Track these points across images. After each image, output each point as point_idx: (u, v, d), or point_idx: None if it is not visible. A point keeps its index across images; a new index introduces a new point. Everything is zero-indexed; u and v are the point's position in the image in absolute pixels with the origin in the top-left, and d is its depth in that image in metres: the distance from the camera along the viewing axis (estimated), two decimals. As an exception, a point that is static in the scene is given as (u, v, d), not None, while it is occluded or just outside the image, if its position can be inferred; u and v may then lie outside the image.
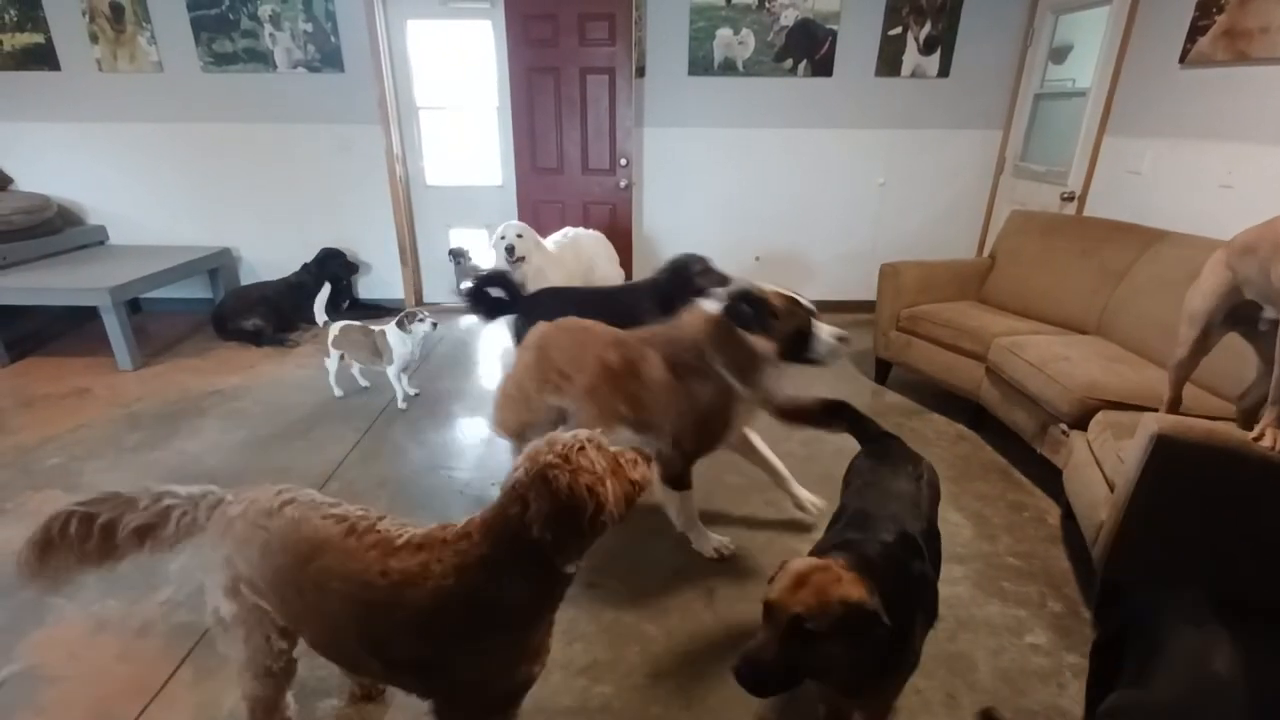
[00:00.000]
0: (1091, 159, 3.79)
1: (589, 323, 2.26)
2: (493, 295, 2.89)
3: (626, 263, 4.85)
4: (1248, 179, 2.86)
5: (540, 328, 2.29)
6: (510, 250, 3.55)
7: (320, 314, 3.39)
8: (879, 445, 1.74)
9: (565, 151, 4.63)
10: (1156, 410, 2.22)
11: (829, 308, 5.12)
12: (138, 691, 1.71)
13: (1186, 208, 3.12)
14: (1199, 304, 2.10)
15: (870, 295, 3.92)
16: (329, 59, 4.44)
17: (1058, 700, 1.72)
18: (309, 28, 4.37)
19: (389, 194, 4.78)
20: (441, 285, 5.22)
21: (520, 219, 4.77)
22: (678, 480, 2.22)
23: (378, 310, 4.90)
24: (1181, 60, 3.19)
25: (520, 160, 4.64)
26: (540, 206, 4.76)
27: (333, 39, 4.39)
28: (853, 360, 4.15)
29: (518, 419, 2.31)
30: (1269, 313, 1.93)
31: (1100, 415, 2.37)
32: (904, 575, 1.26)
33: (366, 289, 5.04)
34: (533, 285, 3.30)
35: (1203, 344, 2.12)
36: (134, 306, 4.69)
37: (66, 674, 1.77)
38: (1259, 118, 2.83)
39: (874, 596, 1.09)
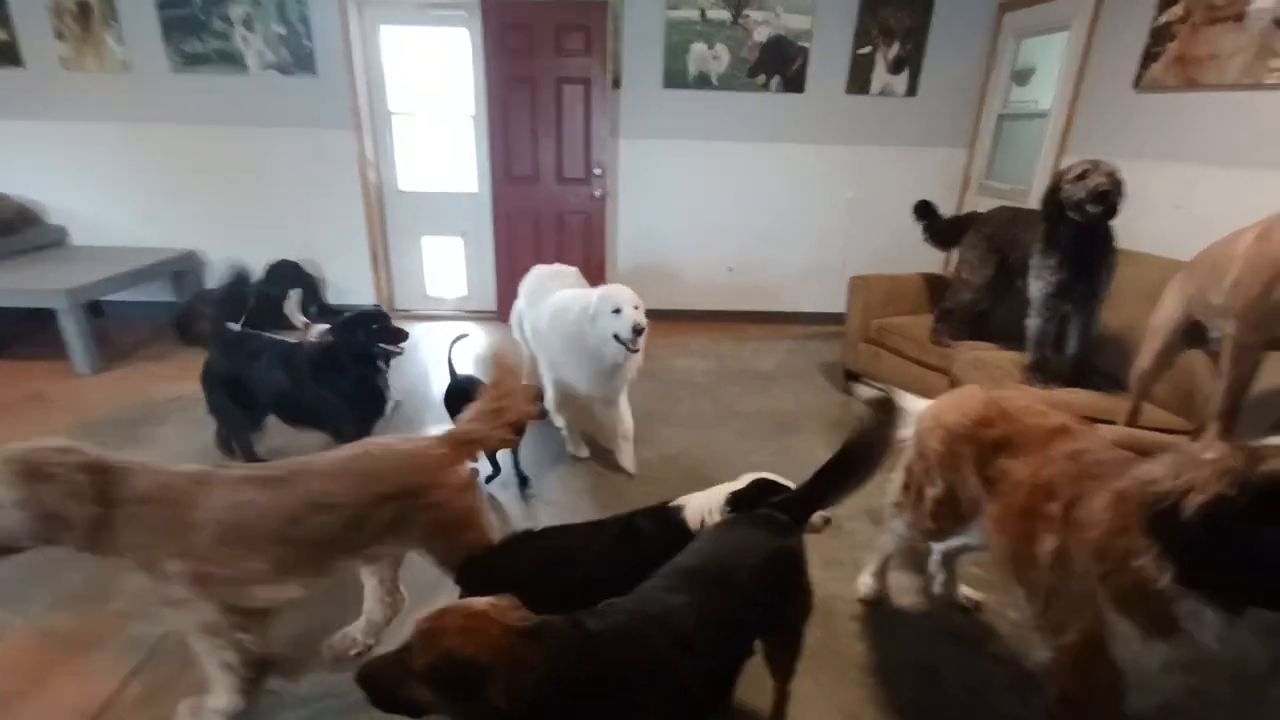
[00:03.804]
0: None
1: None
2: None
3: (600, 273, 4.88)
4: (1198, 200, 2.98)
5: None
6: (639, 332, 2.59)
7: (297, 316, 3.31)
8: (752, 518, 1.45)
9: (540, 160, 4.65)
10: (1114, 423, 2.30)
11: (799, 319, 5.22)
12: (86, 708, 1.66)
13: (1141, 227, 3.22)
14: (1158, 321, 2.19)
15: (841, 308, 3.99)
16: (302, 62, 4.40)
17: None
18: (282, 30, 4.33)
19: (360, 199, 4.74)
20: (415, 291, 5.20)
21: (495, 227, 4.78)
22: None
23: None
24: (1136, 85, 3.32)
25: (495, 168, 4.64)
26: (515, 215, 4.76)
27: (306, 42, 4.35)
28: (823, 372, 4.21)
29: None
30: (1213, 331, 2.01)
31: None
32: (628, 667, 1.03)
33: (337, 294, 4.98)
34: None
35: (1164, 359, 2.21)
36: (96, 310, 4.57)
37: (11, 689, 1.71)
38: (1208, 141, 2.95)
39: (514, 668, 0.93)
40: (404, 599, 1.87)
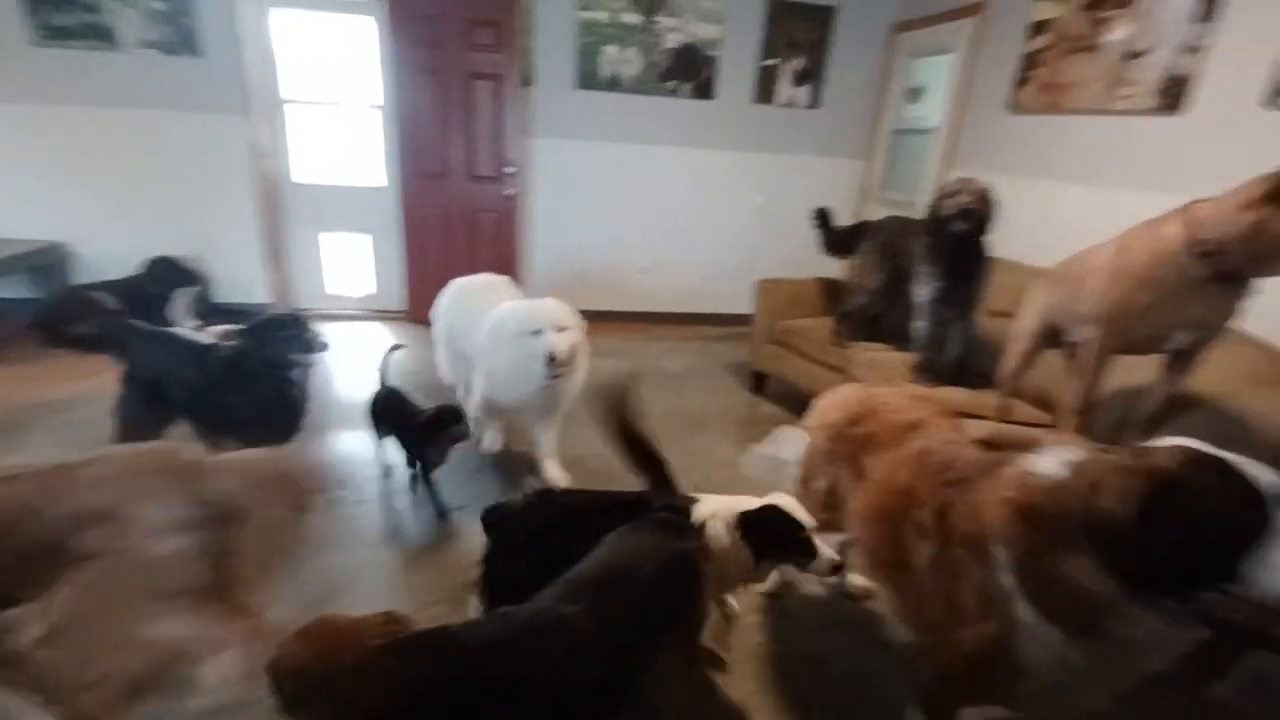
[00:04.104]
0: (939, 190, 4.20)
1: None
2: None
3: (513, 272, 4.81)
4: (1060, 213, 3.27)
5: None
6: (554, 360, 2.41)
7: (186, 320, 3.05)
8: (647, 526, 1.45)
9: (450, 156, 4.53)
10: (988, 419, 2.49)
11: (709, 321, 5.33)
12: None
13: (1012, 236, 3.51)
14: (1024, 324, 2.39)
15: (749, 309, 4.11)
16: (185, 41, 4.09)
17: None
18: (161, 5, 4.01)
19: (253, 191, 4.45)
20: (316, 288, 4.94)
21: (405, 224, 4.62)
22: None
23: (241, 315, 4.53)
24: (1009, 106, 3.61)
25: (404, 163, 4.49)
26: (425, 211, 4.63)
27: (187, 20, 4.05)
28: (731, 372, 4.32)
29: None
30: (1072, 335, 2.21)
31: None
32: (502, 677, 1.03)
33: (228, 291, 4.65)
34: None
35: (1028, 359, 2.41)
36: (-64, 306, 4.07)
37: None
38: (1069, 160, 3.25)
39: (353, 683, 0.93)
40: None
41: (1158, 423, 1.97)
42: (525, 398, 2.57)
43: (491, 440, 3.01)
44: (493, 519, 1.64)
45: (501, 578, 1.56)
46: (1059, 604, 1.11)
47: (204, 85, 4.17)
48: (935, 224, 2.72)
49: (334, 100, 4.59)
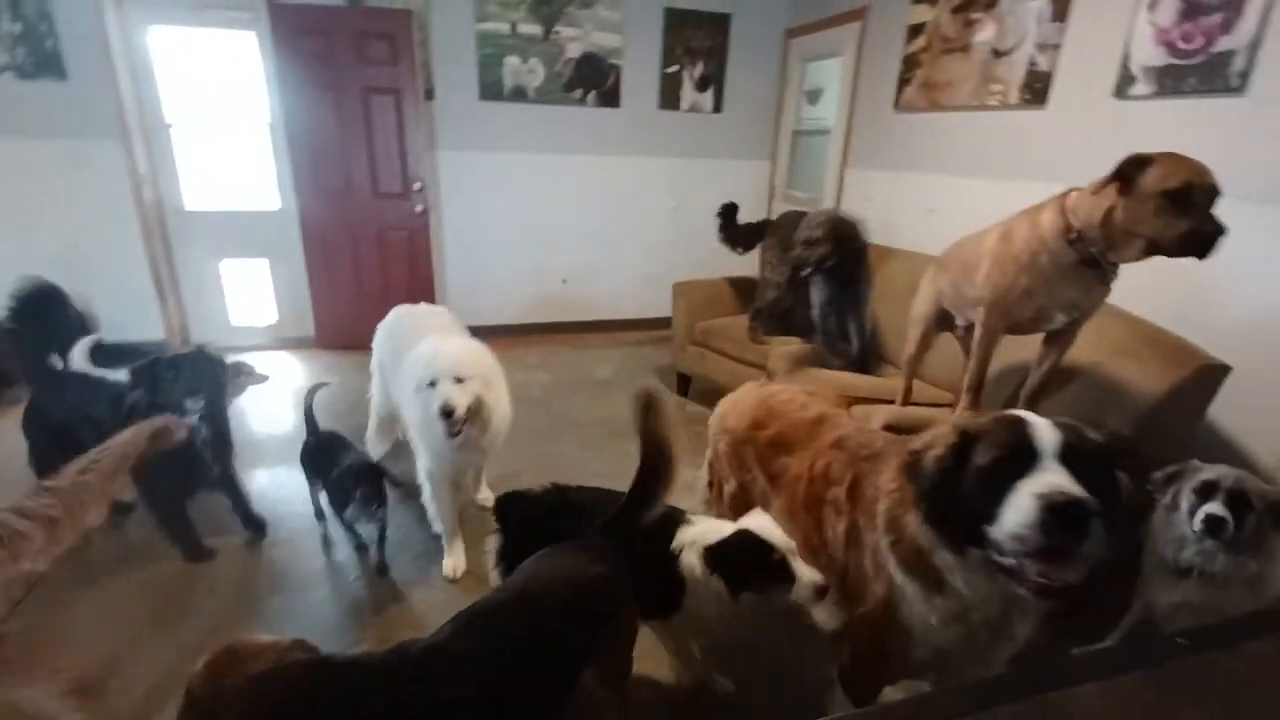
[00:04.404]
0: (838, 187, 4.39)
1: None
2: None
3: (429, 291, 4.70)
4: (946, 205, 3.48)
5: None
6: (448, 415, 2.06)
7: (90, 369, 2.74)
8: (569, 548, 1.42)
9: (352, 174, 4.38)
10: (893, 403, 2.62)
11: (635, 326, 5.37)
12: None
13: (906, 229, 3.72)
14: (918, 311, 2.51)
15: (670, 313, 4.16)
16: (46, 64, 3.78)
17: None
18: (16, 28, 3.70)
19: (136, 219, 4.16)
20: (218, 320, 4.66)
21: (306, 246, 4.42)
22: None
23: (133, 354, 4.21)
24: (895, 106, 3.81)
25: (301, 183, 4.30)
26: (328, 233, 4.45)
27: (49, 42, 3.75)
28: (658, 375, 4.36)
29: None
30: (960, 319, 2.35)
31: (854, 409, 2.72)
32: (372, 710, 1.03)
33: (113, 329, 4.31)
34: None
35: (924, 344, 2.54)
36: None
37: None
38: (950, 154, 3.47)
39: (213, 708, 0.96)
40: None
41: (1040, 395, 2.12)
42: (442, 461, 2.27)
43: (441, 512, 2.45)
44: (506, 502, 1.76)
45: (513, 554, 1.63)
46: (909, 556, 1.21)
47: (71, 109, 3.87)
48: (796, 275, 2.92)
49: (223, 121, 4.35)
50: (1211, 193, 1.56)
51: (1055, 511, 0.93)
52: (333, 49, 4.06)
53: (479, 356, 2.20)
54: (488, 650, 1.11)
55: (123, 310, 4.30)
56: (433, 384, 2.04)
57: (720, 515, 1.94)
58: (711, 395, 3.97)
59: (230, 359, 2.87)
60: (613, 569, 1.40)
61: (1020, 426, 1.04)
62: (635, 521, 1.46)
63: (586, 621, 1.32)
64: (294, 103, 4.11)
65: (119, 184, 4.06)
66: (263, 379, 2.20)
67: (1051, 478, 0.97)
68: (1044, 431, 1.02)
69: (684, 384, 4.10)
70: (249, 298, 4.73)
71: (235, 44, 4.17)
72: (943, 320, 2.47)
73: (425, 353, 2.15)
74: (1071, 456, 0.99)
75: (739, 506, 1.84)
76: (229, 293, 4.68)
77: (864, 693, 1.43)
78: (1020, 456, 1.01)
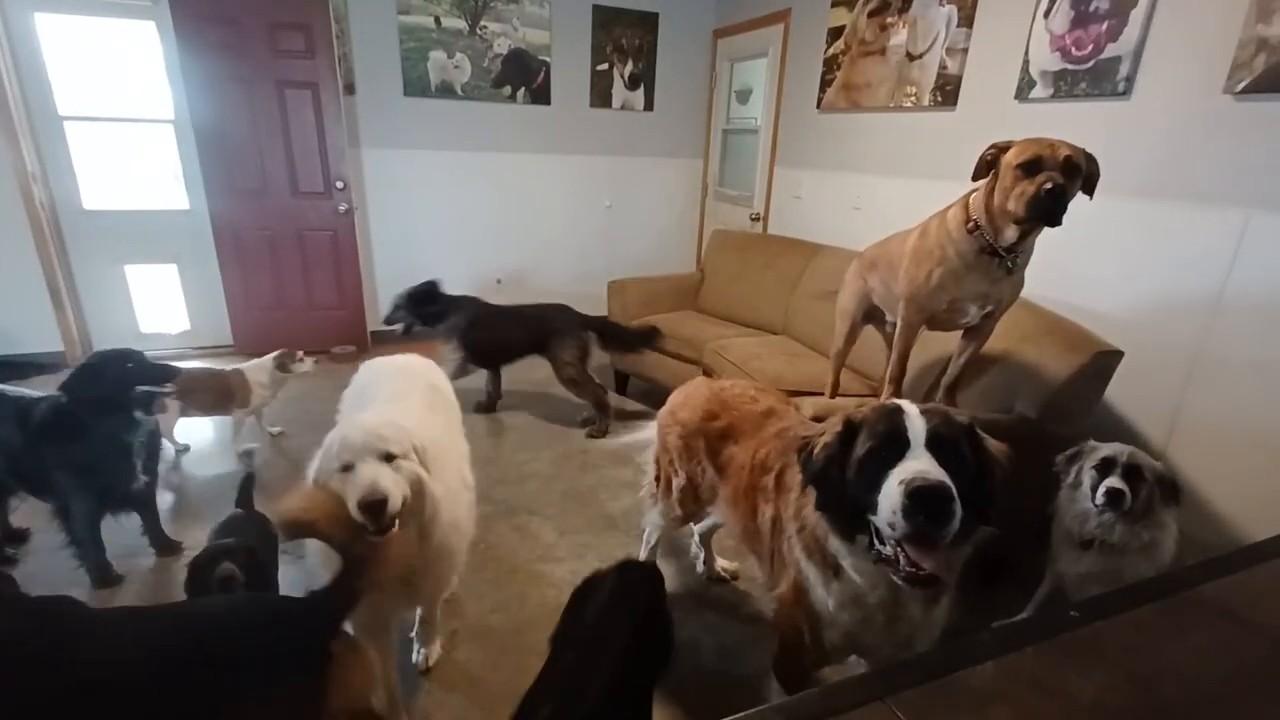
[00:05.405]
0: (768, 185, 4.49)
1: None
2: None
3: (358, 297, 4.54)
4: (870, 202, 3.61)
5: None
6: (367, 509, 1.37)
7: None
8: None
9: (269, 172, 4.17)
10: (823, 394, 2.70)
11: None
12: None
13: (832, 225, 3.84)
14: (844, 305, 2.59)
15: (605, 311, 4.16)
16: (-89, 52, 3.44)
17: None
18: (-126, 10, 3.35)
19: (26, 222, 3.84)
20: (125, 329, 4.36)
21: (219, 249, 4.19)
22: None
23: (24, 369, 3.90)
24: (818, 106, 3.92)
25: (211, 182, 4.07)
26: (244, 234, 4.23)
27: (-86, 27, 3.41)
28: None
29: None
30: (890, 316, 2.44)
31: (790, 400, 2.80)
32: None
33: (5, 341, 3.98)
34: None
35: (851, 337, 2.62)
36: None
37: None
38: (871, 154, 3.59)
39: None
40: None
41: (959, 385, 2.23)
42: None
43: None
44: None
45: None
46: (810, 543, 1.27)
47: (-57, 102, 3.54)
48: None
49: (125, 115, 4.07)
50: (1066, 165, 1.67)
51: (915, 497, 0.97)
52: (243, 40, 3.85)
53: (409, 430, 1.51)
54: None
55: (14, 321, 3.99)
56: (348, 468, 1.41)
57: (667, 512, 1.96)
58: (649, 393, 4.02)
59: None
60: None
61: (897, 416, 1.07)
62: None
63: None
64: (201, 97, 3.88)
65: (6, 183, 3.73)
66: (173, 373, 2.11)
67: (915, 464, 1.01)
68: (914, 420, 1.06)
69: (622, 382, 4.11)
70: (158, 303, 4.44)
71: (134, 36, 3.90)
72: (869, 314, 2.56)
73: (342, 428, 1.49)
74: (937, 443, 1.04)
75: (687, 500, 1.86)
76: (136, 297, 4.38)
77: (794, 679, 1.47)
78: (894, 445, 1.05)
